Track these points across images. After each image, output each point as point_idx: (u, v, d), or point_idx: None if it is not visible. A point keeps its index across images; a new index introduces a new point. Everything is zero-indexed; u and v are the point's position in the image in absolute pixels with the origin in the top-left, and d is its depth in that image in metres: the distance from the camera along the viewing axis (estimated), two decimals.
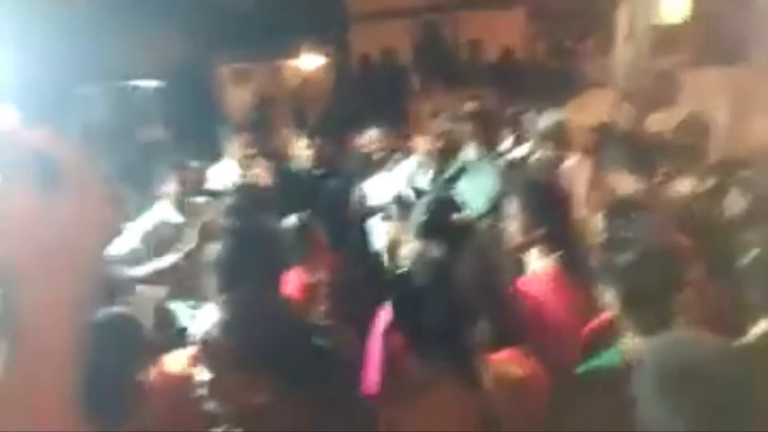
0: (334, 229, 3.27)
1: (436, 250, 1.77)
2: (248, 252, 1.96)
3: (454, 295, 1.62)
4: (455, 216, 2.33)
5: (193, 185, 3.76)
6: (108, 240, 0.61)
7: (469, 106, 5.01)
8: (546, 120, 3.83)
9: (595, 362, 1.76)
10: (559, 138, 3.74)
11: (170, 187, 3.56)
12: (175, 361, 1.85)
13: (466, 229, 2.32)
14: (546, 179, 2.46)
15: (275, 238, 2.47)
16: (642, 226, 2.06)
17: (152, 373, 1.83)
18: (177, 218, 3.50)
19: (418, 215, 2.35)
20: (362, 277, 3.42)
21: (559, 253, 2.18)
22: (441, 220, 2.30)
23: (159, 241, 3.32)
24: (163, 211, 3.52)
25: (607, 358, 1.74)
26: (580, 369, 1.76)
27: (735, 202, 2.88)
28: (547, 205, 2.24)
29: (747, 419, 1.14)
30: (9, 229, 0.55)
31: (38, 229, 0.55)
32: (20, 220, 0.55)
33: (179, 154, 4.33)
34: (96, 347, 1.65)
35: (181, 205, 3.55)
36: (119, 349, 1.66)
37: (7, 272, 0.55)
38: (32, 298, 0.55)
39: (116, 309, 1.80)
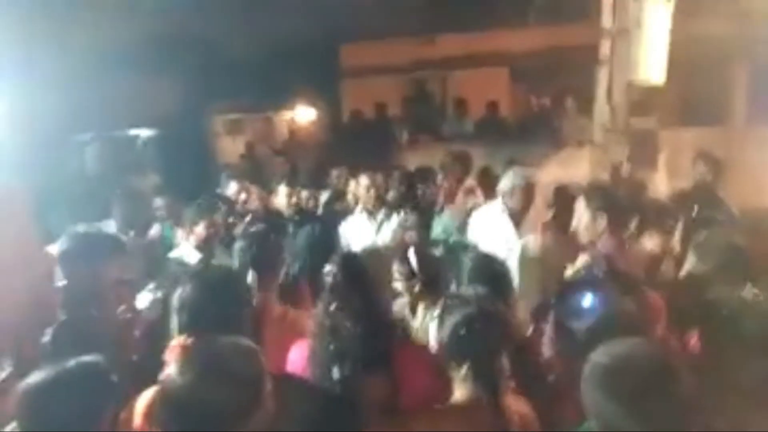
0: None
1: None
2: (212, 294, 2.02)
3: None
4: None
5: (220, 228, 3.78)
6: (31, 273, 0.65)
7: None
8: (508, 178, 3.85)
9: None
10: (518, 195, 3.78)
11: (199, 228, 3.59)
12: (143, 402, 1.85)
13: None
14: None
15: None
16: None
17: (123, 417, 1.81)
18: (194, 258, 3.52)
19: None
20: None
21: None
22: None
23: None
24: (184, 250, 3.56)
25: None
26: None
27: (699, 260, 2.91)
28: None
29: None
30: None
31: None
32: None
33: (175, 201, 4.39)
34: (65, 395, 1.63)
35: (206, 247, 3.56)
36: (87, 399, 1.65)
37: None
38: None
39: (87, 358, 1.74)
